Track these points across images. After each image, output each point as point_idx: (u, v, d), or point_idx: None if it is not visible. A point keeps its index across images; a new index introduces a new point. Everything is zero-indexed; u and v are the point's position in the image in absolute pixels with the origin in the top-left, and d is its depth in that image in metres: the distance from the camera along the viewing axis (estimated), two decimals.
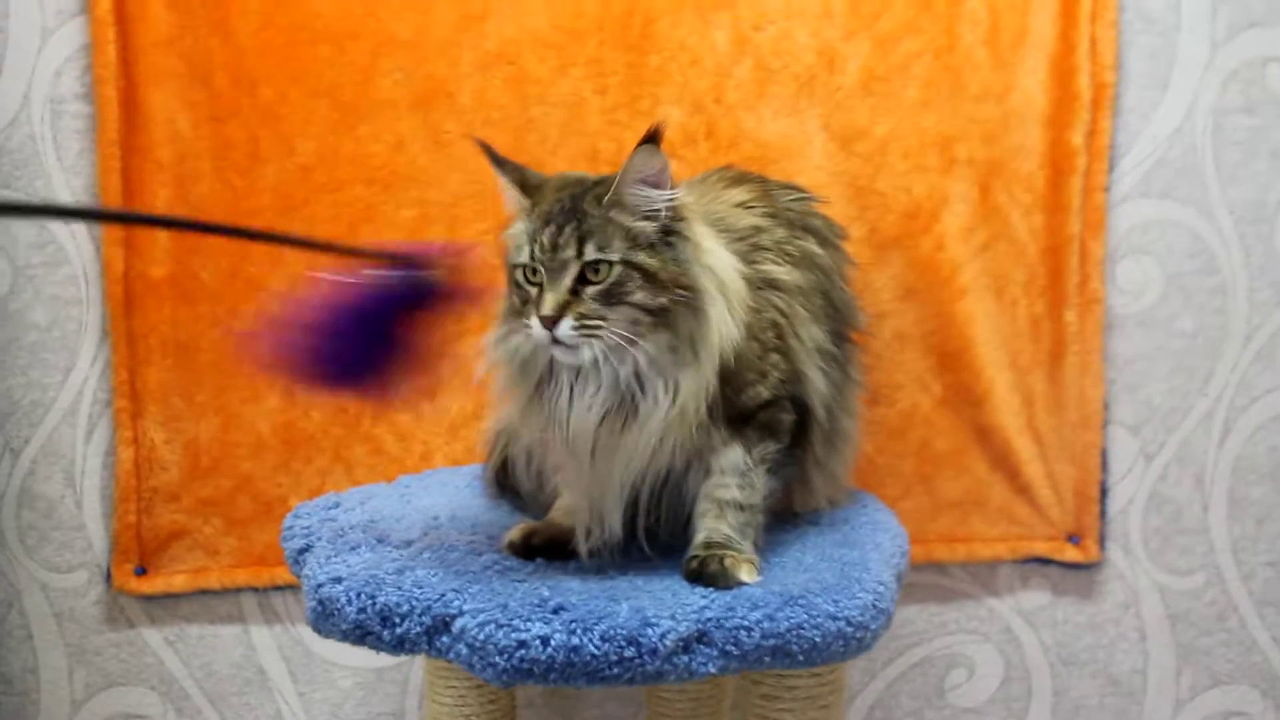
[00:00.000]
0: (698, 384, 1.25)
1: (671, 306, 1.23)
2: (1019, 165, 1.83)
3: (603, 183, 1.27)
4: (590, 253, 1.23)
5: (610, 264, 1.22)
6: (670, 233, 1.25)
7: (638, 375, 1.24)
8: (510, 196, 1.33)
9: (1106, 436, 1.91)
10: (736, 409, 1.33)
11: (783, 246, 1.42)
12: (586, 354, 1.22)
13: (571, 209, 1.25)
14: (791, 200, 1.51)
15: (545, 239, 1.24)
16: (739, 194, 1.46)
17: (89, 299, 1.87)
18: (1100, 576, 1.97)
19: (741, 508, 1.34)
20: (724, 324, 1.25)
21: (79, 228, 1.86)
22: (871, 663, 1.99)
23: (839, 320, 1.50)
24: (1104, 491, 1.91)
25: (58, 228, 1.86)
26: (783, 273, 1.39)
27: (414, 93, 1.81)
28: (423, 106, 1.82)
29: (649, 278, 1.23)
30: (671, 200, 1.25)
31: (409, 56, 1.80)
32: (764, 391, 1.35)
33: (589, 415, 1.26)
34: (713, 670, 1.19)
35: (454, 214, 1.83)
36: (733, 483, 1.34)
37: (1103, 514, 1.92)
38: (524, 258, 1.26)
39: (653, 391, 1.24)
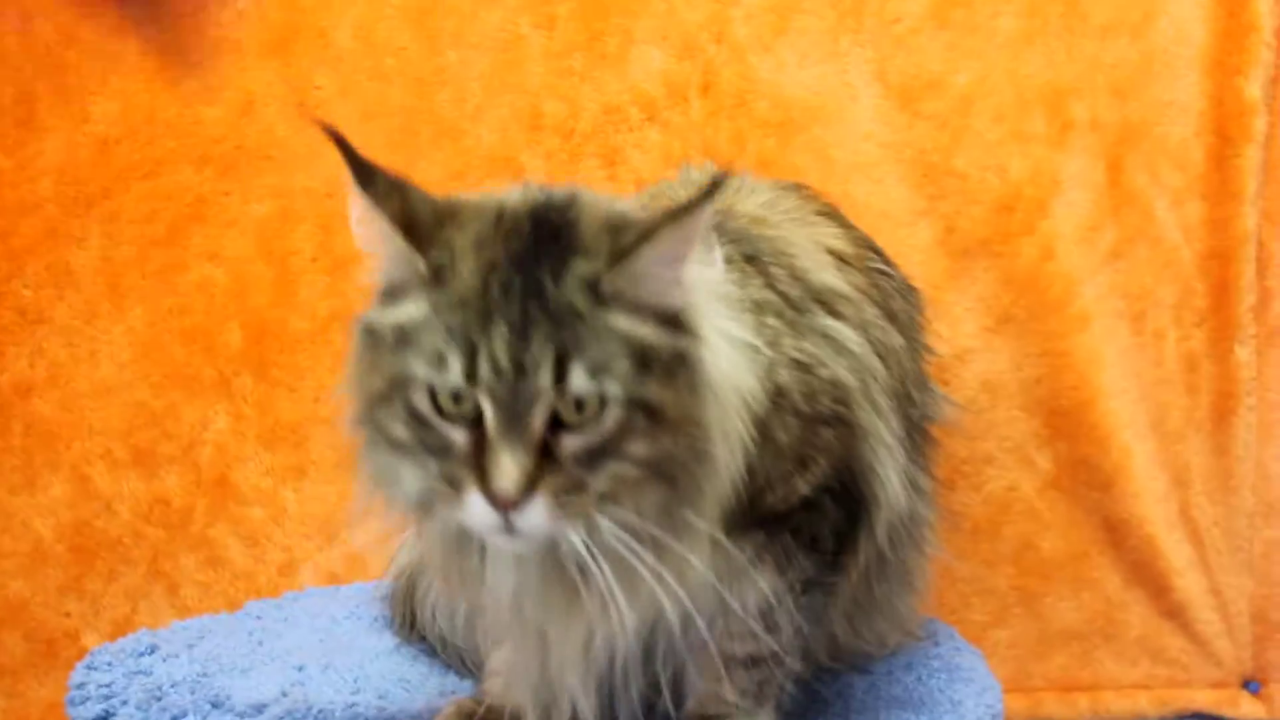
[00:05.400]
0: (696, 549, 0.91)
1: (674, 452, 0.87)
2: (1166, 130, 1.51)
3: (592, 229, 0.85)
4: (579, 382, 0.81)
5: (611, 401, 0.82)
6: (680, 330, 0.87)
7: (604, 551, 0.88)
8: (383, 239, 0.85)
9: None
10: (762, 512, 1.01)
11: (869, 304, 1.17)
12: (556, 544, 0.85)
13: (533, 287, 0.82)
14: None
15: (495, 347, 0.81)
16: (830, 236, 1.18)
17: None
18: None
19: (756, 661, 1.07)
20: (730, 462, 0.93)
21: None
22: None
23: (912, 410, 1.24)
24: None
25: None
26: (854, 339, 1.11)
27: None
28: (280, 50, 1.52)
29: (655, 418, 0.84)
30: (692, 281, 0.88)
31: None
32: (803, 486, 1.03)
33: (535, 591, 0.92)
34: None
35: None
36: (754, 627, 1.04)
37: None
38: (447, 377, 0.82)
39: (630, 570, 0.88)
